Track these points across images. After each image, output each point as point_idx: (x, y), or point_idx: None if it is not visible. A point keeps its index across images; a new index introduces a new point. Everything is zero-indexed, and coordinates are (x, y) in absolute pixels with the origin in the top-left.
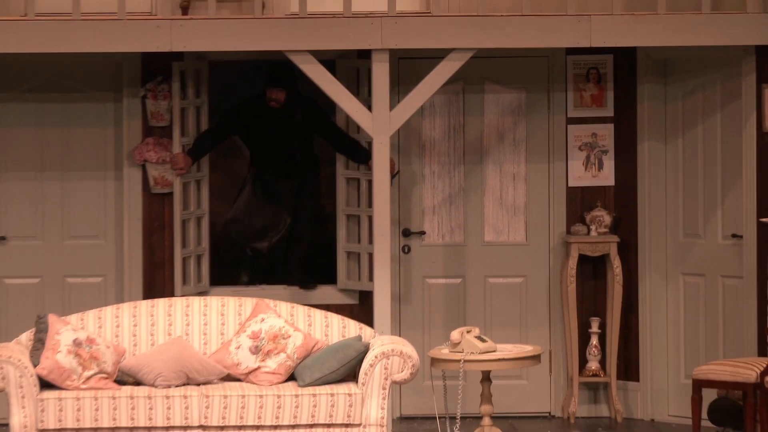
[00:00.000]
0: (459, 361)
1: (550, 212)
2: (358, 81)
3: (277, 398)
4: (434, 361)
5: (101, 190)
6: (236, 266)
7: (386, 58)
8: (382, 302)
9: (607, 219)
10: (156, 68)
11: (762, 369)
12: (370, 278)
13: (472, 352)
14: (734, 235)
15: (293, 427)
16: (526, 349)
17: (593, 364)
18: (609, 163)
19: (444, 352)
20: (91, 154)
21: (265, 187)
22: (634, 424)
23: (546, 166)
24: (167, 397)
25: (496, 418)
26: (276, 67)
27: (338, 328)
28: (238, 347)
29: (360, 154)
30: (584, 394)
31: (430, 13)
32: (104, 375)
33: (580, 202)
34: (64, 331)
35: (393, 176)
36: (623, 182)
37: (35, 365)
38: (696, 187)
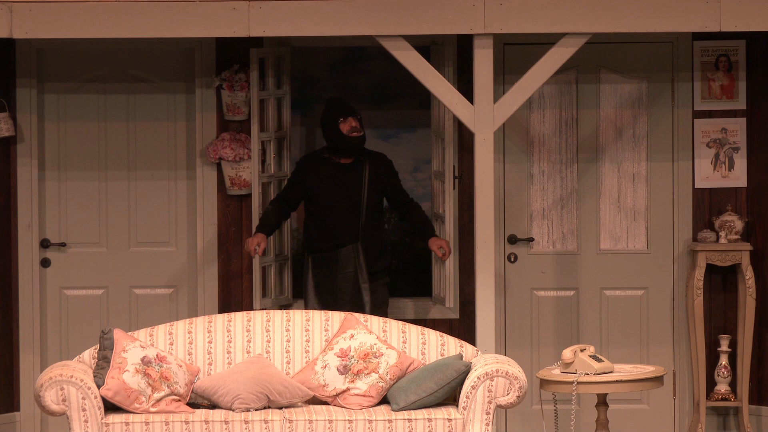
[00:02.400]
0: (572, 383)
1: (674, 217)
2: (458, 70)
3: (368, 423)
4: (544, 383)
5: (171, 191)
6: None
7: (490, 43)
8: (485, 317)
9: (739, 224)
10: (232, 55)
11: None
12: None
13: (587, 373)
14: None
15: None
16: (647, 370)
17: (722, 387)
18: (741, 162)
19: (555, 372)
20: (161, 152)
21: (327, 269)
22: None
23: (669, 165)
24: (246, 422)
25: None
26: (339, 98)
27: (436, 346)
28: (325, 366)
29: (429, 226)
30: (712, 420)
31: None
32: (176, 397)
33: (708, 206)
34: (132, 348)
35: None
36: (757, 183)
37: (99, 386)
38: None
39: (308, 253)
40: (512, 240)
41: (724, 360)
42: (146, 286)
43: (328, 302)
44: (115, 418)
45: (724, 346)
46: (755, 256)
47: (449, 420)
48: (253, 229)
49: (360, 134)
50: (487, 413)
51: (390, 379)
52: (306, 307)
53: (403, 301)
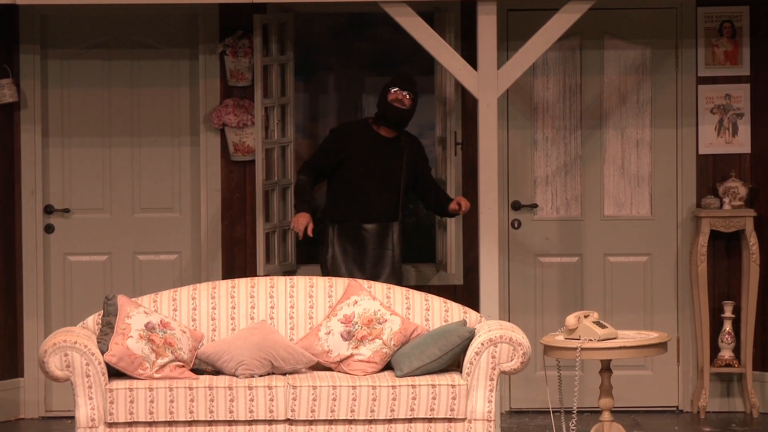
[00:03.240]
0: (575, 349)
1: (678, 183)
2: (462, 37)
3: (372, 389)
4: (547, 349)
5: (175, 157)
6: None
7: (493, 9)
8: (489, 283)
9: (743, 191)
10: (236, 21)
11: None
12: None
13: (590, 339)
14: None
15: (390, 421)
16: (651, 336)
17: (726, 353)
18: (744, 128)
19: (558, 339)
20: (164, 118)
21: (354, 238)
22: None
23: (673, 132)
24: (250, 388)
25: (616, 413)
26: (405, 73)
27: (440, 312)
28: (329, 333)
29: (448, 197)
30: (716, 386)
31: None
32: (180, 363)
33: (711, 172)
34: (135, 314)
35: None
36: (761, 149)
37: (103, 352)
38: None
39: (331, 222)
40: (516, 206)
41: (727, 326)
42: (150, 252)
43: (354, 275)
44: (119, 383)
45: (728, 312)
46: (759, 222)
47: (453, 386)
48: (259, 196)
49: (403, 107)
50: (491, 379)
51: (394, 345)
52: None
53: (407, 268)
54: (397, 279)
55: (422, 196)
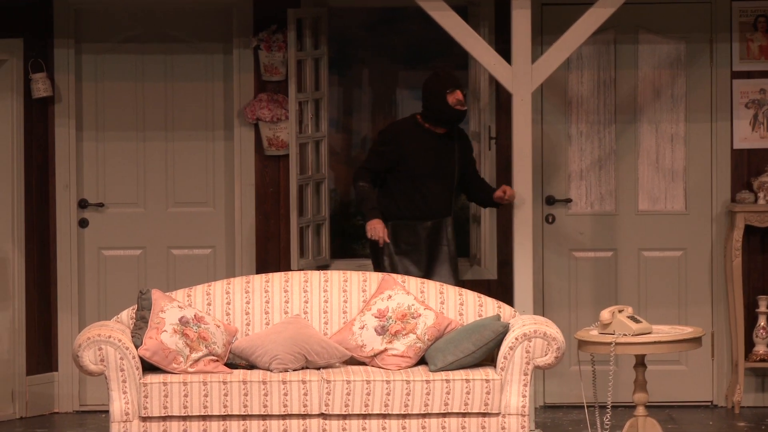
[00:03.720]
0: (610, 343)
1: (713, 178)
2: (496, 31)
3: (406, 384)
4: (582, 344)
5: (209, 152)
6: (359, 237)
7: (528, 3)
8: (523, 278)
9: None
10: (270, 15)
11: None
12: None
13: (625, 334)
14: None
15: (424, 416)
16: (686, 331)
17: (761, 348)
18: None
19: (593, 333)
20: (198, 112)
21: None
22: None
23: (708, 126)
24: (284, 382)
25: (651, 408)
26: (447, 70)
27: (474, 307)
28: (363, 327)
29: (489, 195)
30: (751, 381)
31: None
32: (214, 357)
33: (746, 167)
34: (170, 309)
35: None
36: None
37: (137, 346)
38: None
39: (385, 221)
40: (550, 201)
41: (762, 321)
42: (184, 246)
43: (411, 273)
44: (153, 378)
45: (763, 307)
46: None
47: (487, 381)
48: (293, 191)
49: (464, 108)
50: (525, 374)
51: (428, 339)
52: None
53: None
54: (455, 275)
55: (466, 188)
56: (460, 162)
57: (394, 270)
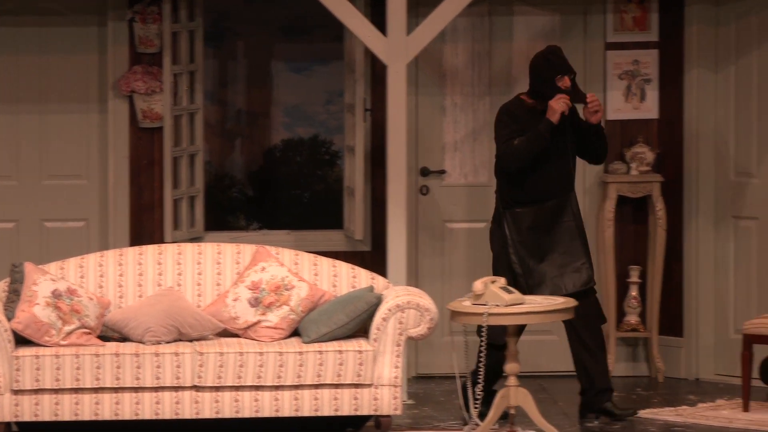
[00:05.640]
0: (482, 314)
1: None
2: (371, 3)
3: (279, 356)
4: (454, 315)
5: (83, 124)
6: (234, 209)
7: None
8: (396, 249)
9: (650, 156)
10: None
11: None
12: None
13: (497, 305)
14: None
15: (296, 387)
16: (557, 302)
17: (632, 318)
18: (652, 94)
19: (465, 304)
20: (72, 85)
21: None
22: (676, 383)
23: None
24: (157, 355)
25: (523, 378)
26: (559, 52)
27: (348, 279)
28: (236, 299)
29: (586, 128)
30: (622, 351)
31: None
32: (86, 330)
33: (619, 137)
34: (42, 282)
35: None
36: (668, 115)
37: (9, 319)
38: (749, 120)
39: (505, 208)
40: (424, 172)
41: (633, 291)
42: (57, 219)
43: (528, 259)
44: (26, 351)
45: (634, 277)
46: (666, 188)
47: (360, 352)
48: (167, 163)
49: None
50: (398, 345)
51: (301, 311)
52: (496, 265)
53: (314, 234)
54: (586, 249)
55: (586, 151)
56: (571, 135)
57: (514, 256)
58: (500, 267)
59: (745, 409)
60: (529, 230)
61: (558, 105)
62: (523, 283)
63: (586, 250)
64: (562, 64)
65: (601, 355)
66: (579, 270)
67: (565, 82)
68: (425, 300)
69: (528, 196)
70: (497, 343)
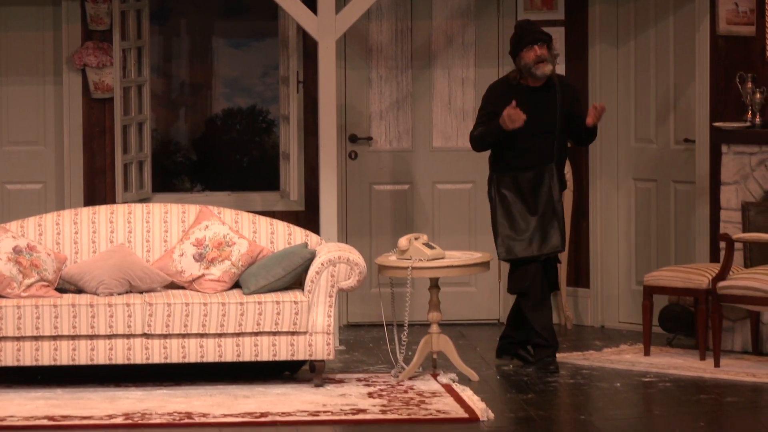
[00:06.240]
0: (407, 268)
1: None
2: None
3: (221, 306)
4: (381, 269)
5: (40, 95)
6: (179, 173)
7: None
8: (328, 209)
9: None
10: None
11: (714, 275)
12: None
13: (420, 259)
14: (687, 140)
15: (238, 335)
16: (475, 256)
17: None
18: (559, 68)
19: (391, 259)
20: (30, 59)
21: (519, 190)
22: (584, 330)
23: (495, 71)
24: (109, 305)
25: (444, 326)
26: (527, 24)
27: (284, 236)
28: (182, 255)
29: (584, 127)
30: None
31: None
32: (45, 283)
33: None
34: (4, 239)
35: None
36: (574, 86)
37: None
38: (648, 91)
39: (495, 172)
40: (353, 139)
41: None
42: (17, 181)
43: (516, 219)
44: None
45: None
46: (572, 152)
47: (296, 302)
48: (118, 130)
49: (546, 64)
50: (330, 296)
51: (242, 265)
52: (494, 223)
53: (252, 195)
54: (558, 216)
55: (573, 136)
56: (561, 112)
57: (498, 213)
58: (494, 220)
59: (647, 353)
60: (510, 194)
61: (509, 120)
62: (509, 236)
63: (560, 219)
64: (526, 36)
65: (547, 313)
66: (550, 235)
67: (533, 51)
68: (355, 255)
69: (508, 166)
70: (521, 291)
